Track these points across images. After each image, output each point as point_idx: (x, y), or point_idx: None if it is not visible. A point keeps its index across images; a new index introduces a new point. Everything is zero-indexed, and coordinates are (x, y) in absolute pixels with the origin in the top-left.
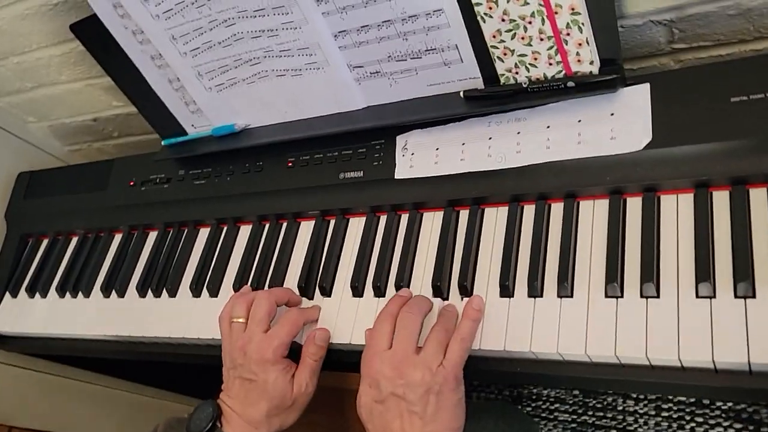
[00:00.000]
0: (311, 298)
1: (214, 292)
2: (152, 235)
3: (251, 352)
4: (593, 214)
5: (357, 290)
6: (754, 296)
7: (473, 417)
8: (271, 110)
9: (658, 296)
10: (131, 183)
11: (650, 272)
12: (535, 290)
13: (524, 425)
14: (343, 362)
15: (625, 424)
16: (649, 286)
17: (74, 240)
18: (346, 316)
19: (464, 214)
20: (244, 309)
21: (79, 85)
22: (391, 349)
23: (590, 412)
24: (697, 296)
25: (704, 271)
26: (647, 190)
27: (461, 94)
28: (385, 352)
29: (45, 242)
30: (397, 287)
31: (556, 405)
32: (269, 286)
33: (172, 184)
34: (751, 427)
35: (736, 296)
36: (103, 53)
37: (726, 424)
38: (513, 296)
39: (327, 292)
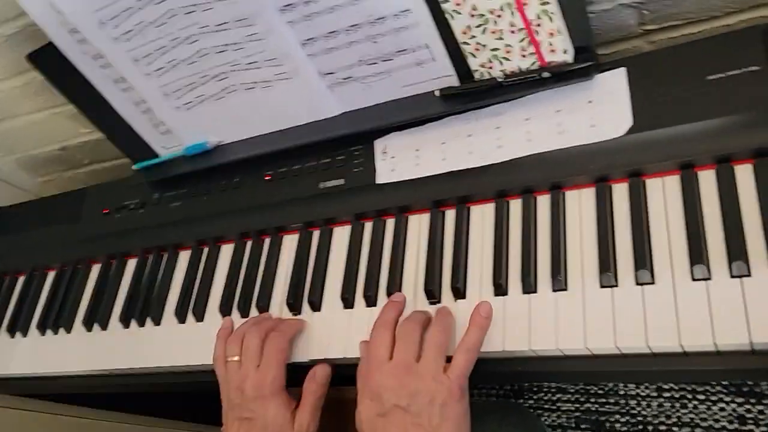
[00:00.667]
0: (299, 313)
1: (199, 317)
2: (131, 263)
3: (248, 390)
4: (580, 203)
5: (348, 301)
6: (749, 274)
7: (476, 418)
8: (244, 124)
9: (653, 282)
10: (105, 211)
11: (644, 258)
12: (530, 286)
13: (529, 423)
14: (339, 376)
15: (628, 407)
16: (644, 272)
17: (51, 274)
18: (338, 330)
19: (451, 214)
20: (237, 347)
21: (42, 114)
22: (392, 360)
23: (593, 399)
24: (693, 279)
25: (698, 253)
26: (632, 175)
27: (437, 93)
28: (385, 363)
29: (21, 279)
30: (389, 295)
31: (558, 395)
32: (257, 305)
33: (148, 208)
34: (752, 400)
35: (731, 276)
36: (63, 81)
37: (728, 399)
38: (507, 294)
39: (317, 307)
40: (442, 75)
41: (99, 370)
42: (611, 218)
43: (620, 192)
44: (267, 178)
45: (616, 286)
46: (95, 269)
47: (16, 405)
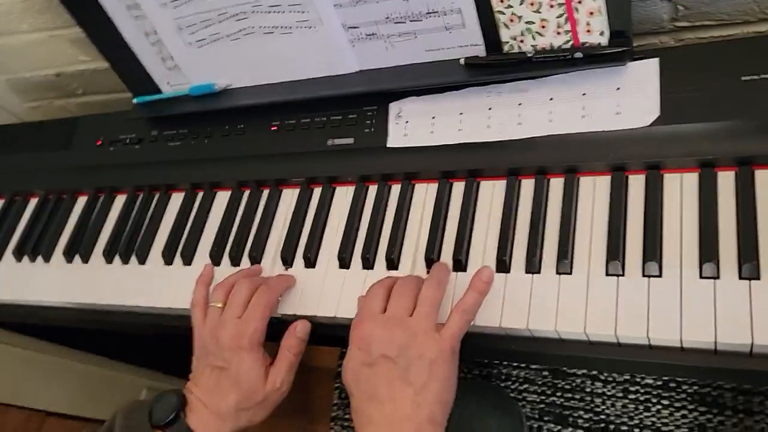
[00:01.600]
0: (291, 267)
1: (188, 260)
2: (120, 199)
3: (225, 339)
4: (594, 190)
5: (344, 261)
6: (758, 278)
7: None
8: (256, 70)
9: (660, 275)
10: (98, 142)
11: (653, 251)
12: (534, 266)
13: (506, 406)
14: (327, 336)
15: (593, 405)
16: (652, 264)
17: (33, 201)
18: (331, 288)
19: (459, 187)
20: (223, 294)
21: (42, 35)
22: (386, 312)
23: (558, 393)
24: (701, 276)
25: (709, 252)
26: (651, 167)
27: (462, 61)
28: (378, 315)
29: (1, 202)
30: (387, 259)
31: (525, 385)
32: (249, 254)
33: (144, 145)
34: (715, 410)
35: (740, 277)
36: (73, 0)
37: (691, 407)
38: (509, 272)
39: (311, 263)
40: (470, 43)
41: (74, 303)
42: (624, 208)
43: (636, 183)
44: (273, 128)
45: (623, 275)
46: (81, 201)
47: None
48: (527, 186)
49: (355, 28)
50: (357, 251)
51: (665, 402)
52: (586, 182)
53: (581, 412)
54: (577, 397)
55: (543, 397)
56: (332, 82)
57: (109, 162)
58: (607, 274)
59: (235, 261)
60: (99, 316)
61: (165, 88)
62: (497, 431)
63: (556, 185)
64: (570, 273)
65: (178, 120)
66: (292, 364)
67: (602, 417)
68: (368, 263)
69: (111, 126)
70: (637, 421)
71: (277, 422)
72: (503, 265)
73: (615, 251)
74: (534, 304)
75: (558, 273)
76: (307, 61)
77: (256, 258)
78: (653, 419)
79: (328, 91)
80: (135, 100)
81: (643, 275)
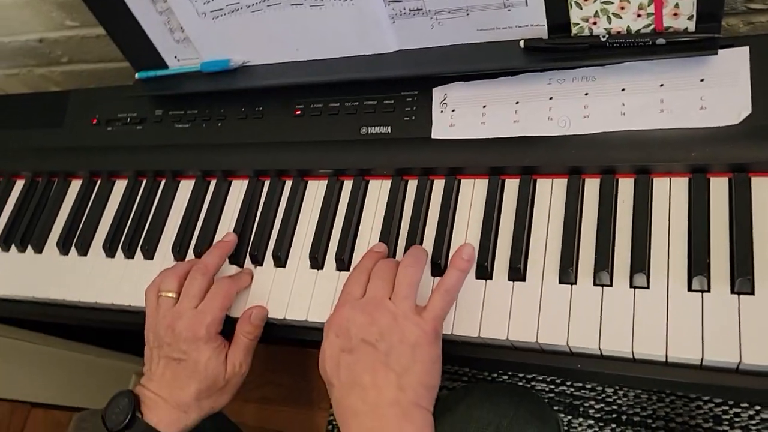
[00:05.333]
0: (322, 269)
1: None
2: (120, 184)
3: (181, 330)
4: (670, 193)
5: None
6: None
7: (490, 400)
8: (279, 46)
9: (753, 293)
10: (94, 121)
11: (745, 265)
12: (604, 279)
13: (545, 414)
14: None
15: (604, 395)
16: (744, 281)
17: (19, 183)
18: None
19: (512, 184)
20: (175, 283)
21: None
22: (364, 296)
23: (568, 383)
24: None
25: None
26: (737, 170)
27: (521, 43)
28: (356, 300)
29: None
30: (434, 264)
31: (534, 374)
32: (273, 254)
33: (147, 125)
34: (730, 402)
35: None
36: None
37: (706, 398)
38: (576, 284)
39: (345, 266)
40: (530, 24)
41: (74, 300)
42: (707, 215)
43: (719, 187)
44: (296, 112)
45: (708, 291)
46: (75, 185)
47: None
48: (592, 186)
49: (397, 1)
50: (399, 253)
51: (679, 393)
52: (660, 184)
53: (592, 402)
54: (588, 386)
55: (552, 386)
56: (367, 63)
57: (107, 143)
58: (689, 290)
59: (256, 260)
60: (98, 315)
61: (172, 62)
62: None
63: (626, 186)
64: (647, 287)
65: (186, 99)
66: (249, 348)
67: (614, 407)
68: None
69: (108, 103)
70: (650, 412)
71: (276, 409)
72: (567, 276)
73: (701, 264)
74: (605, 319)
75: (632, 287)
76: (340, 37)
77: (280, 258)
78: (667, 410)
79: (361, 72)
80: (137, 75)
81: (732, 292)
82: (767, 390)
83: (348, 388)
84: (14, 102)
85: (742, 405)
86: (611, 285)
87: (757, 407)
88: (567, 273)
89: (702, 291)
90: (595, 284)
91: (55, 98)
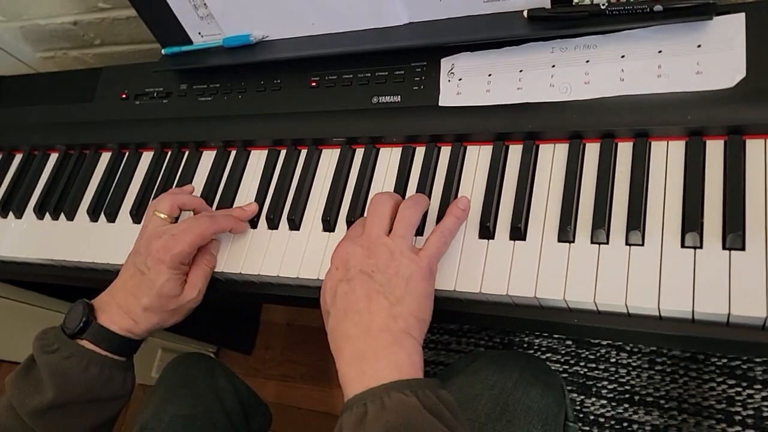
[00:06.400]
0: (333, 231)
1: None
2: (146, 156)
3: (153, 248)
4: (667, 156)
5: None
6: None
7: (496, 363)
8: (296, 20)
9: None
10: (123, 95)
11: (736, 222)
12: (601, 237)
13: (549, 377)
14: None
15: (617, 376)
16: (736, 237)
17: (54, 156)
18: None
19: (516, 149)
20: (167, 206)
21: None
22: (363, 233)
23: (582, 363)
24: None
25: None
26: (733, 132)
27: (525, 13)
28: (357, 237)
29: (19, 157)
30: (438, 222)
31: (548, 354)
32: (287, 217)
33: (173, 99)
34: (744, 383)
35: None
36: None
37: (720, 379)
38: (574, 242)
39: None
40: None
41: (105, 263)
42: (702, 175)
43: (715, 149)
44: (312, 84)
45: (700, 247)
46: (105, 156)
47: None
48: (592, 150)
49: None
50: None
51: (693, 374)
52: (658, 147)
53: (605, 383)
54: (602, 367)
55: (566, 367)
56: (378, 35)
57: (135, 116)
58: (683, 246)
59: (273, 224)
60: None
61: (196, 38)
62: (540, 402)
63: (625, 150)
64: (642, 245)
65: (209, 73)
66: (207, 275)
67: (627, 388)
68: (418, 230)
69: (136, 78)
70: (663, 393)
71: (295, 386)
72: (565, 235)
73: (693, 222)
74: (600, 275)
75: (628, 244)
76: (352, 11)
77: (294, 221)
78: (680, 391)
79: (373, 44)
80: (164, 51)
81: (724, 248)
82: (756, 342)
83: (343, 314)
84: (48, 79)
85: (756, 386)
86: (607, 243)
87: None
88: (565, 232)
89: (695, 247)
90: (592, 242)
91: (86, 75)
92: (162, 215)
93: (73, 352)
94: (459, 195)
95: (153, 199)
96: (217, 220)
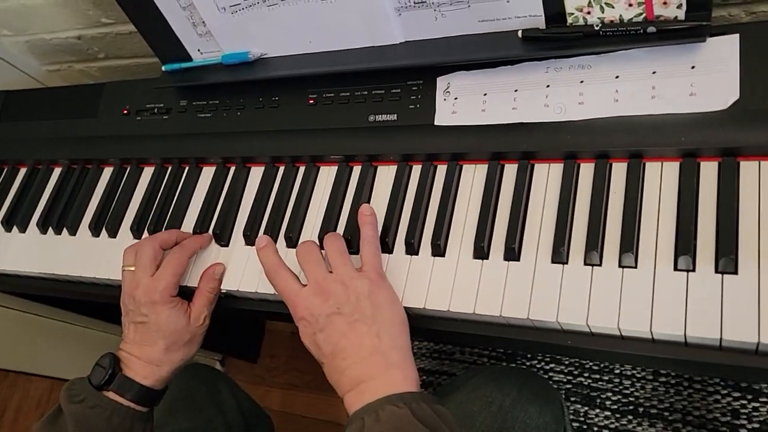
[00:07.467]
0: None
1: (224, 240)
2: (147, 171)
3: (139, 297)
4: (661, 177)
5: (388, 246)
6: None
7: (495, 380)
8: (293, 39)
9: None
10: (125, 111)
11: (729, 247)
12: (594, 259)
13: (548, 394)
14: None
15: (621, 387)
16: (728, 261)
17: (57, 170)
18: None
19: (511, 169)
20: (131, 257)
21: None
22: (307, 284)
23: (586, 374)
24: None
25: None
26: (726, 154)
27: (519, 33)
28: (301, 290)
29: (23, 171)
30: (433, 245)
31: (552, 365)
32: (285, 235)
33: (173, 115)
34: (749, 396)
35: None
36: None
37: (724, 392)
38: (567, 263)
39: (351, 245)
40: (528, 14)
41: (105, 279)
42: (696, 197)
43: (709, 171)
44: (310, 101)
45: (693, 271)
46: (107, 171)
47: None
48: (587, 170)
49: None
50: (400, 235)
51: (697, 386)
52: (652, 168)
53: (609, 394)
54: (606, 378)
55: (570, 377)
56: (375, 54)
57: (136, 132)
58: (675, 269)
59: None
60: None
61: (196, 55)
62: (538, 419)
63: (619, 170)
64: (635, 267)
65: (208, 90)
66: (210, 301)
67: (631, 399)
68: (412, 249)
69: (138, 94)
70: (667, 405)
71: (300, 395)
72: (559, 256)
73: (687, 245)
74: (593, 298)
75: (621, 266)
76: (349, 30)
77: (292, 239)
78: (684, 403)
79: (370, 63)
80: (164, 68)
81: (716, 272)
82: (748, 367)
83: (331, 357)
84: (52, 94)
85: (761, 399)
86: (600, 265)
87: None
88: (559, 253)
89: (687, 270)
90: (585, 264)
91: (90, 91)
92: (131, 268)
93: (98, 403)
94: (454, 214)
95: (153, 214)
96: (185, 247)
